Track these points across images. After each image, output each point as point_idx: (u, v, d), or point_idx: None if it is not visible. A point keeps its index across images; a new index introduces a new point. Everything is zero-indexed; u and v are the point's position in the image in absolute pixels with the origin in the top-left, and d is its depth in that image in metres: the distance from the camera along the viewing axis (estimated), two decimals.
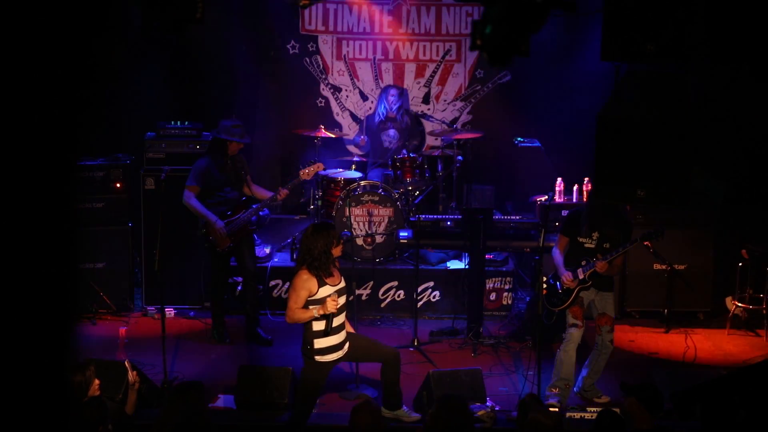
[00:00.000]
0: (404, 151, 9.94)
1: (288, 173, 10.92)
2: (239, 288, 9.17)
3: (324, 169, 9.08)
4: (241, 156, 8.85)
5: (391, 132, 10.41)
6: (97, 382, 5.80)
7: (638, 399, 5.52)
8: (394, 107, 10.32)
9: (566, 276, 7.39)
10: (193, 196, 8.59)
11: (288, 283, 9.37)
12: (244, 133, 8.74)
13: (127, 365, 6.40)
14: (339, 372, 6.86)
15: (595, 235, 7.39)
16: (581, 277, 7.37)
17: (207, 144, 9.44)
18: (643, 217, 9.39)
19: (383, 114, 10.38)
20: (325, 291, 6.45)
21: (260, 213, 8.84)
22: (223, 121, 8.72)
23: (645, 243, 7.72)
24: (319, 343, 6.51)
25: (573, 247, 7.49)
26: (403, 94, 10.51)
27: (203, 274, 9.28)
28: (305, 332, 6.54)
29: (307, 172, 8.70)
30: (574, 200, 9.58)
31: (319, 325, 6.48)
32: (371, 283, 9.55)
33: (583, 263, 7.37)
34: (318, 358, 6.53)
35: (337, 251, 6.57)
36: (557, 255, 7.53)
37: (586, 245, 7.42)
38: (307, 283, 6.43)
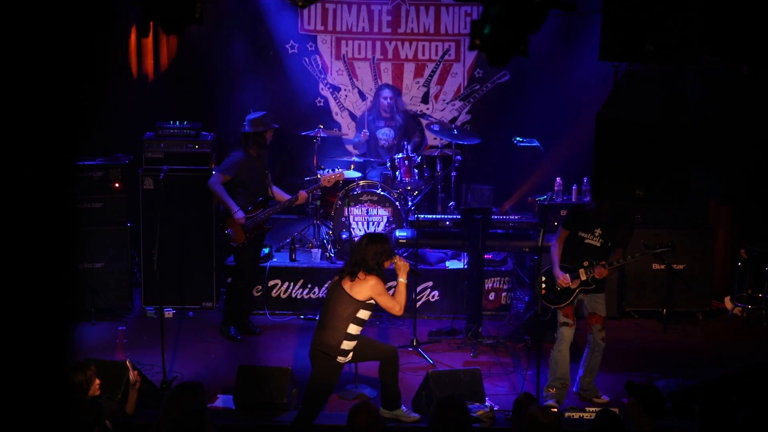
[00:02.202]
0: (405, 146, 9.90)
1: (287, 174, 10.91)
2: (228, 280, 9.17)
3: (343, 179, 9.24)
4: (267, 153, 8.87)
5: (386, 130, 10.42)
6: (97, 381, 5.79)
7: (639, 401, 5.48)
8: (387, 106, 10.33)
9: (562, 278, 7.37)
10: (221, 184, 8.60)
11: (287, 283, 9.43)
12: (270, 119, 8.80)
13: (128, 364, 6.40)
14: None
15: (598, 231, 7.38)
16: (583, 278, 7.35)
17: (204, 143, 9.46)
18: (642, 216, 9.38)
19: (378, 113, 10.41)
20: None
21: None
22: (250, 115, 8.72)
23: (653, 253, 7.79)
24: (346, 345, 6.62)
25: (573, 242, 7.45)
26: (397, 94, 10.54)
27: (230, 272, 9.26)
28: (333, 332, 6.58)
29: (327, 179, 8.80)
30: (573, 200, 9.58)
31: (354, 329, 6.60)
32: None
33: (586, 264, 7.34)
34: (340, 359, 6.64)
35: (386, 265, 6.69)
36: (555, 250, 7.50)
37: (587, 240, 7.40)
38: (381, 283, 6.62)
